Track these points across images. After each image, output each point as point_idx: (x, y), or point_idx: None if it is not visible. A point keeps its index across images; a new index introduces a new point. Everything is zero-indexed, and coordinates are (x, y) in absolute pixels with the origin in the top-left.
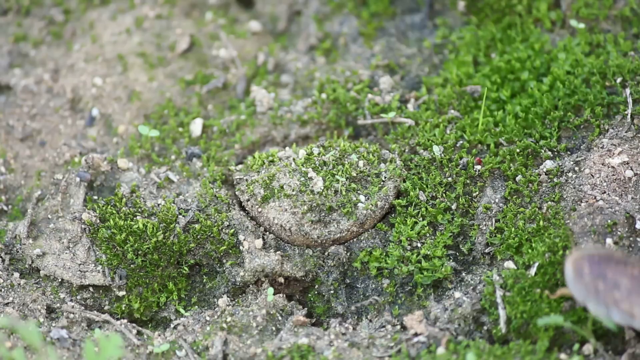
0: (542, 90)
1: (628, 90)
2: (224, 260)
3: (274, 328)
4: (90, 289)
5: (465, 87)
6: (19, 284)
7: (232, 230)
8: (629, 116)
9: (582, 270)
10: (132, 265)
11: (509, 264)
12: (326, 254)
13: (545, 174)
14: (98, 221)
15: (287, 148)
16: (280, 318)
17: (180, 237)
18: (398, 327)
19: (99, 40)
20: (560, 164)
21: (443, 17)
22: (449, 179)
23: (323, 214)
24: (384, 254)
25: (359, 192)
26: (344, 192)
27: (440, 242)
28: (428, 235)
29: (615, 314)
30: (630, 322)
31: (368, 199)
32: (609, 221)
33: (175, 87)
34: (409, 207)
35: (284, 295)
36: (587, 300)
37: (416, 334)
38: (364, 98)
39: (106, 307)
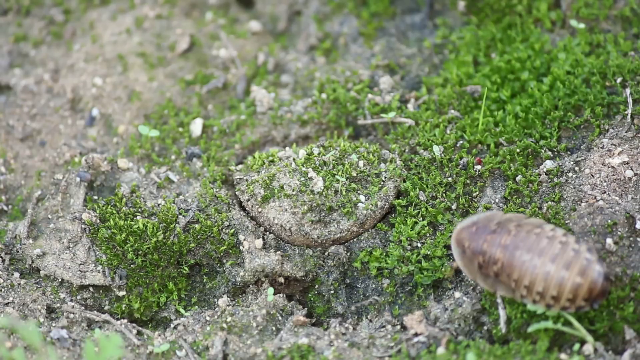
0: (542, 90)
1: (628, 90)
2: (224, 260)
3: (274, 328)
4: (90, 289)
5: (465, 87)
6: (19, 284)
7: (232, 230)
8: (629, 116)
9: (463, 245)
10: (132, 265)
11: None
12: (326, 254)
13: (545, 174)
14: (98, 221)
15: (287, 148)
16: (280, 318)
17: (180, 237)
18: (398, 327)
19: (99, 40)
20: (560, 164)
21: (443, 17)
22: (449, 179)
23: (323, 214)
24: (384, 254)
25: (359, 192)
26: (344, 192)
27: (441, 242)
28: (428, 235)
29: (500, 289)
30: (512, 294)
31: (368, 199)
32: (609, 221)
33: (175, 87)
34: (409, 207)
35: (284, 295)
36: (475, 279)
37: (416, 334)
38: (364, 98)
39: (106, 307)
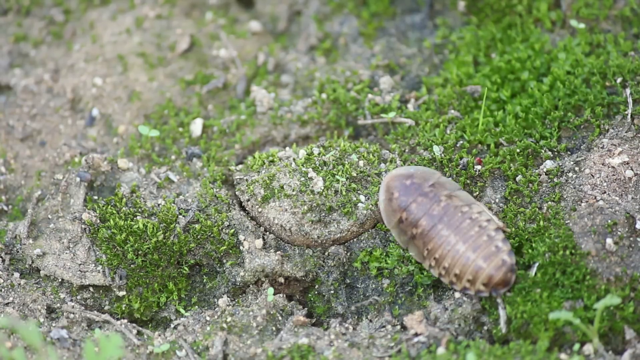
0: (542, 90)
1: (628, 90)
2: (224, 260)
3: (274, 328)
4: (91, 289)
5: (465, 87)
6: (19, 284)
7: (232, 230)
8: (629, 116)
9: (392, 194)
10: (132, 265)
11: None
12: (326, 254)
13: (546, 174)
14: (98, 221)
15: (287, 148)
16: (280, 318)
17: (180, 237)
18: (398, 327)
19: (99, 40)
20: (561, 164)
21: (443, 17)
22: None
23: (323, 214)
24: (384, 254)
25: (359, 192)
26: (344, 192)
27: None
28: None
29: (411, 250)
30: (421, 261)
31: (368, 199)
32: (609, 221)
33: (175, 87)
34: None
35: (284, 295)
36: (389, 227)
37: (416, 334)
38: (364, 98)
39: (106, 307)
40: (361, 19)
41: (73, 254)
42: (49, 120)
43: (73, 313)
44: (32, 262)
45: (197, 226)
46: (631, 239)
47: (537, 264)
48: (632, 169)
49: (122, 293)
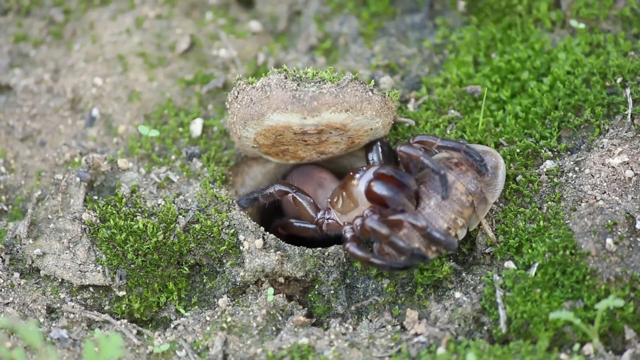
0: (542, 90)
1: (628, 90)
2: (224, 260)
3: (274, 328)
4: (91, 289)
5: (465, 87)
6: (19, 284)
7: (232, 230)
8: (629, 116)
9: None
10: (132, 265)
11: (509, 264)
12: (326, 254)
13: (546, 174)
14: (98, 221)
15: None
16: (280, 318)
17: (180, 237)
18: (398, 327)
19: (99, 40)
20: (561, 164)
21: (443, 17)
22: None
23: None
24: None
25: None
26: None
27: None
28: None
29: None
30: None
31: None
32: (609, 221)
33: (175, 87)
34: None
35: (284, 295)
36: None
37: (416, 334)
38: None
39: (106, 307)
40: (361, 19)
41: (73, 254)
42: (49, 120)
43: (73, 313)
44: (32, 262)
45: (197, 226)
46: (631, 239)
47: (537, 264)
48: (632, 169)
49: (122, 293)
